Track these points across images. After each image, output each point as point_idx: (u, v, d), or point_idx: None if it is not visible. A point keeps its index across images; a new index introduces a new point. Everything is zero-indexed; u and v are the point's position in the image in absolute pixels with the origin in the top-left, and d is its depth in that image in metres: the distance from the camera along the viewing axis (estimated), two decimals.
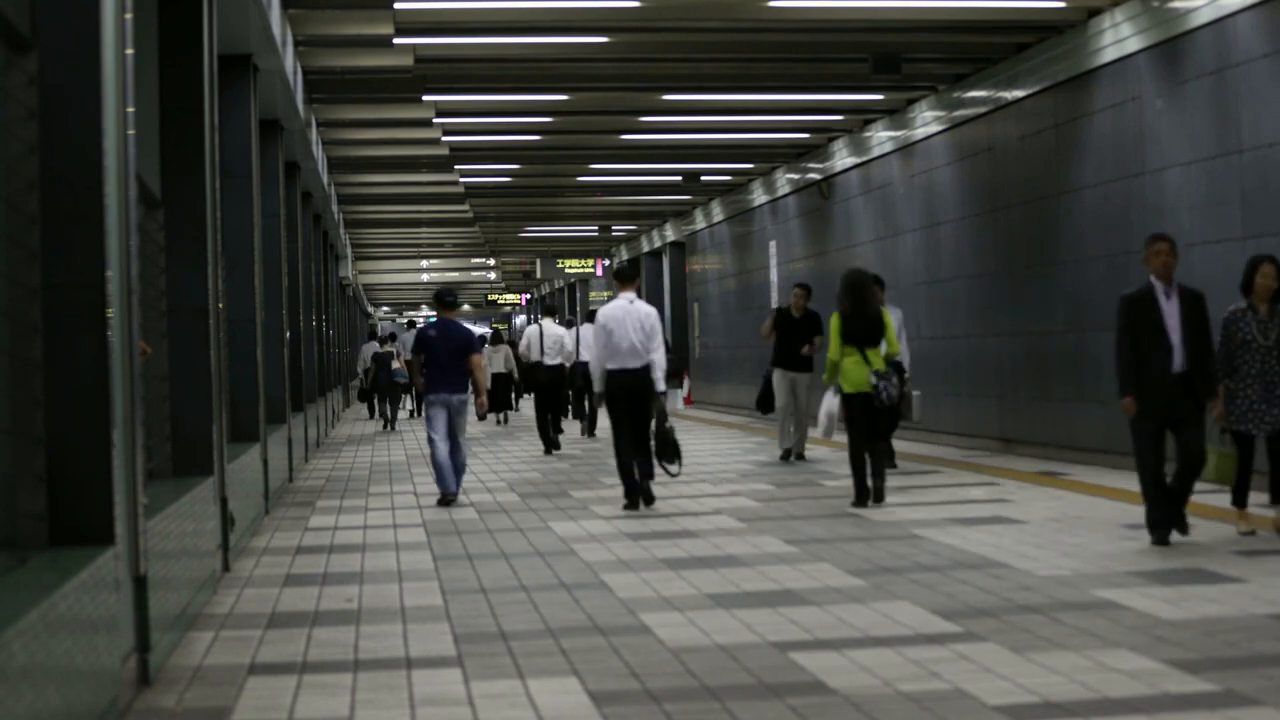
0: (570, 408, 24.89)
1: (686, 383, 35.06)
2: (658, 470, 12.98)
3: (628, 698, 6.10)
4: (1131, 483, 10.56)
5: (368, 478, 17.44)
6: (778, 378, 17.36)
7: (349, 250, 41.23)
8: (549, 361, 21.56)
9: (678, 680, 6.36)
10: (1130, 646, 6.65)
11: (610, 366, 12.74)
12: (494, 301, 68.92)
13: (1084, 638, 6.90)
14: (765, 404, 17.63)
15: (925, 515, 11.74)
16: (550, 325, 22.17)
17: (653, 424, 12.81)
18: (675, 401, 20.93)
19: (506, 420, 29.74)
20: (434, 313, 15.99)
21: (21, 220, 5.88)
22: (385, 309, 77.27)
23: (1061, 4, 14.83)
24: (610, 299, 13.16)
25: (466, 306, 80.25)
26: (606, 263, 44.88)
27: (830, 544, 10.30)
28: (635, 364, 12.67)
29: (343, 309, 41.36)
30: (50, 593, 4.98)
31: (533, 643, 7.25)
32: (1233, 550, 9.36)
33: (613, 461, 13.26)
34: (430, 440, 13.97)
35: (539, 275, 45.14)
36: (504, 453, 20.81)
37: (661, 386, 12.72)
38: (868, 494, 12.31)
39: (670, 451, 12.85)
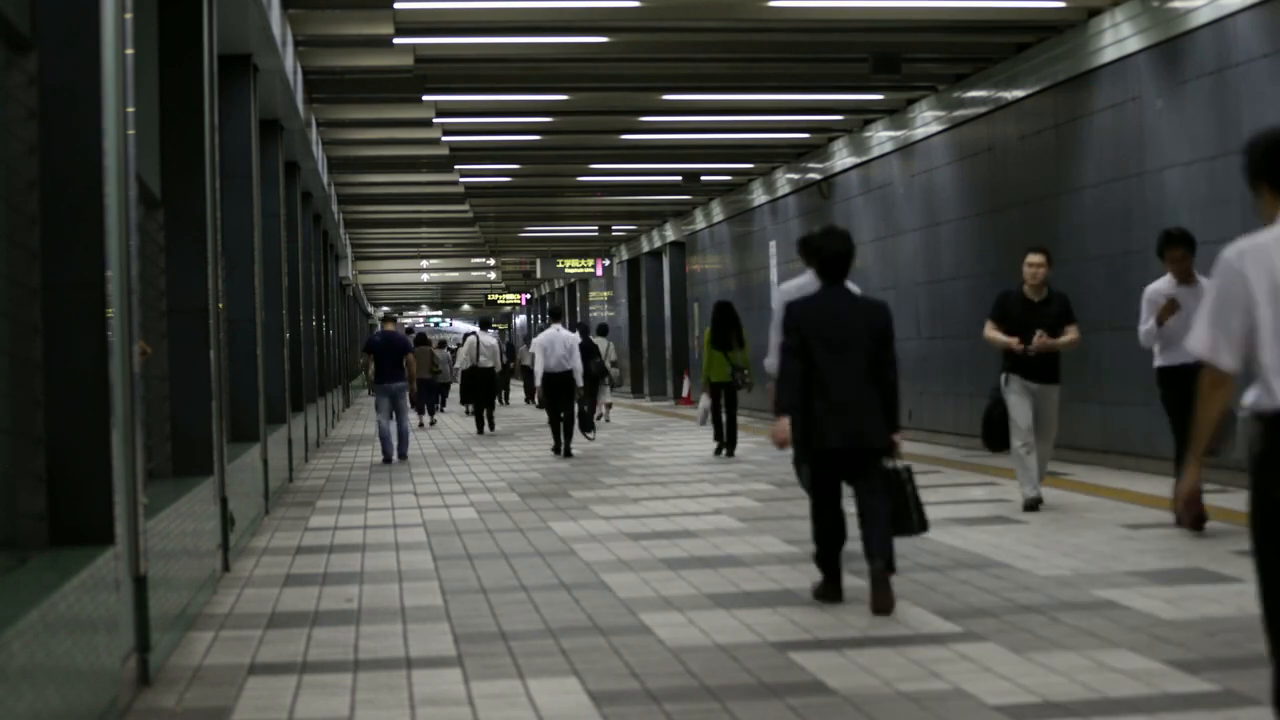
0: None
1: (686, 383, 35.05)
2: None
3: (628, 698, 6.10)
4: (1132, 482, 10.55)
5: (368, 478, 17.45)
6: (1015, 391, 11.51)
7: (349, 250, 41.22)
8: (483, 365, 26.86)
9: (678, 680, 6.36)
10: (1130, 646, 6.65)
11: (548, 368, 19.69)
12: (494, 301, 68.86)
13: (1084, 638, 6.90)
14: (994, 437, 11.66)
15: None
16: (485, 336, 27.55)
17: (575, 406, 20.04)
18: (605, 395, 27.62)
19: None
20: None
21: (21, 220, 5.88)
22: (385, 309, 77.27)
23: (1061, 4, 14.83)
24: (547, 327, 20.47)
25: (466, 306, 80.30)
26: (606, 263, 44.87)
27: None
28: (561, 369, 19.75)
29: (343, 309, 41.36)
30: (50, 593, 4.98)
31: (533, 643, 7.25)
32: (1233, 550, 9.36)
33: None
34: (377, 418, 19.90)
35: (539, 275, 45.12)
36: (504, 453, 20.83)
37: (580, 383, 20.07)
38: (731, 447, 18.87)
39: (586, 424, 21.06)
